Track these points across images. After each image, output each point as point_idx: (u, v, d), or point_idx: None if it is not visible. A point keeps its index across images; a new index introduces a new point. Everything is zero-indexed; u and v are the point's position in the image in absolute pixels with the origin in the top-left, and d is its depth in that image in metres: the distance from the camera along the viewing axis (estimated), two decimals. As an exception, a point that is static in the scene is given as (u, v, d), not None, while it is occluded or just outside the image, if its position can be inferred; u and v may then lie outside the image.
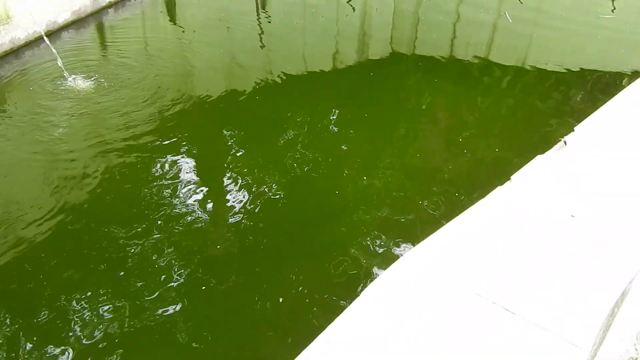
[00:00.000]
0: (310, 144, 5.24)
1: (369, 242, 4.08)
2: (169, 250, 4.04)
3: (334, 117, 5.68)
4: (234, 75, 6.62)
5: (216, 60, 6.82)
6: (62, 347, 3.37)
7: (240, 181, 4.75)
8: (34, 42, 6.70)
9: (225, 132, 5.51)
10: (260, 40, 7.33)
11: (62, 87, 5.96)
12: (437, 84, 6.35)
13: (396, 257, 3.51)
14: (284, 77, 6.40)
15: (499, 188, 3.67)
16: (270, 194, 4.59)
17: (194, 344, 3.36)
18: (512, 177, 3.77)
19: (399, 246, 4.01)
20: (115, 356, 3.29)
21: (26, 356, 3.33)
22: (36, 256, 4.00)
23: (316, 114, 5.71)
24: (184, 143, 5.19)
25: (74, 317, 3.55)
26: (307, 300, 3.60)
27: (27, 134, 5.30)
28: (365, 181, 4.76)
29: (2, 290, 3.76)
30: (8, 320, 3.55)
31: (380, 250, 4.01)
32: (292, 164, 4.98)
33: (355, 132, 5.41)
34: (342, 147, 5.20)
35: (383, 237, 4.13)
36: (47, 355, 3.33)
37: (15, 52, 6.53)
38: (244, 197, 4.57)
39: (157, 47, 6.91)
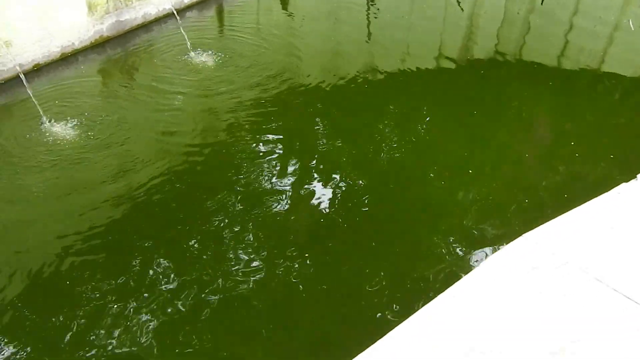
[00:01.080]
0: (402, 140, 5.34)
1: (455, 245, 4.16)
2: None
3: (430, 115, 5.76)
4: (335, 64, 6.85)
5: (320, 48, 7.12)
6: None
7: (326, 170, 4.95)
8: (162, 19, 7.34)
9: (318, 118, 5.74)
10: (367, 33, 7.53)
11: (184, 59, 6.53)
12: (539, 92, 6.24)
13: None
14: (385, 71, 6.57)
15: (623, 184, 3.62)
16: (353, 186, 4.74)
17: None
18: (638, 175, 3.69)
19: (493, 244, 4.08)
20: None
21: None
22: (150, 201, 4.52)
23: (411, 111, 5.81)
24: (280, 123, 5.53)
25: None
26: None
27: (149, 100, 5.87)
28: (454, 184, 4.79)
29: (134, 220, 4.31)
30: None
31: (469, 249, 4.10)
32: (382, 159, 5.12)
33: (450, 132, 5.45)
34: (435, 146, 5.25)
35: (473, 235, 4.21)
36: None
37: (146, 26, 7.19)
38: (326, 185, 4.76)
39: (268, 31, 7.32)
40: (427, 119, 5.65)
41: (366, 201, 4.55)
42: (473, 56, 7.12)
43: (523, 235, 3.24)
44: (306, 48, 7.02)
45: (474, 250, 3.95)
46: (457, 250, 4.00)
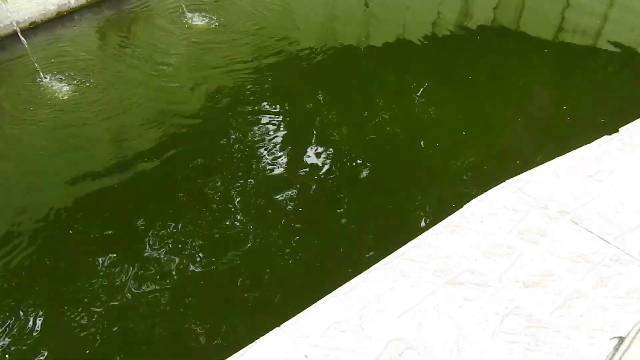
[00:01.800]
0: (398, 106, 5.38)
1: (444, 197, 4.24)
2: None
3: (425, 85, 5.80)
4: (332, 31, 6.88)
5: (316, 14, 7.13)
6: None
7: (321, 135, 5.01)
8: (159, -20, 7.33)
9: (312, 87, 5.75)
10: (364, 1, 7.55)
11: (180, 21, 6.56)
12: (538, 63, 6.26)
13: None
14: (381, 39, 6.59)
15: (604, 137, 3.71)
16: (348, 155, 4.80)
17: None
18: (620, 129, 3.79)
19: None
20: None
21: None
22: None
23: (407, 78, 5.84)
24: (276, 88, 5.57)
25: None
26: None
27: (144, 60, 5.92)
28: (446, 145, 4.86)
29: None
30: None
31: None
32: (376, 124, 5.18)
33: (444, 102, 5.49)
34: (429, 115, 5.29)
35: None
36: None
37: (142, -13, 7.19)
38: (321, 152, 4.83)
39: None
40: (422, 85, 5.70)
41: (359, 163, 4.63)
42: (471, 24, 7.14)
43: (506, 181, 3.37)
44: (304, 12, 7.04)
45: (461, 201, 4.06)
46: (445, 201, 4.11)
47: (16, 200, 4.29)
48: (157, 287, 3.48)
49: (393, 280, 2.74)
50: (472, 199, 3.25)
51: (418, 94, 5.53)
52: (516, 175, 3.42)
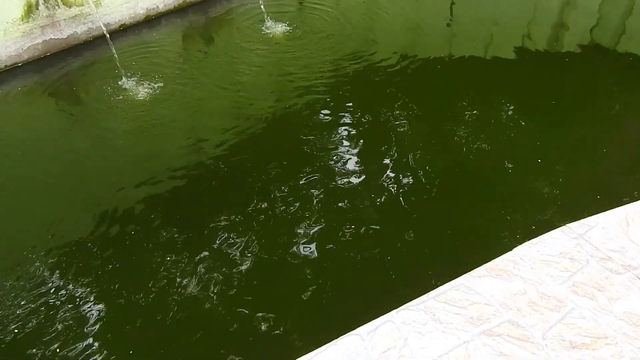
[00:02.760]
0: (476, 126, 5.11)
1: (504, 229, 3.96)
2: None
3: (507, 103, 5.47)
4: (414, 43, 6.70)
5: (399, 26, 6.98)
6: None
7: (395, 150, 4.86)
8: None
9: (391, 98, 5.62)
10: (449, 14, 7.28)
11: (261, 29, 6.68)
12: (634, 91, 5.72)
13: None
14: (465, 55, 6.32)
15: None
16: (421, 168, 4.61)
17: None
18: None
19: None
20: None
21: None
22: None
23: (488, 97, 5.54)
24: (353, 99, 5.49)
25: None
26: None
27: (224, 66, 6.08)
28: (525, 178, 4.54)
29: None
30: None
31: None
32: (453, 143, 4.95)
33: (528, 125, 5.14)
34: (505, 139, 4.98)
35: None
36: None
37: (227, -6, 7.41)
38: (394, 165, 4.68)
39: (348, 5, 7.27)
40: (505, 107, 5.38)
41: (432, 184, 4.44)
42: (562, 44, 6.67)
43: (566, 225, 3.06)
44: (385, 26, 6.92)
45: (519, 236, 3.77)
46: (502, 234, 3.83)
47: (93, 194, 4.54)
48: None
49: (423, 324, 2.57)
50: (525, 241, 2.99)
51: (497, 117, 5.23)
52: (581, 218, 3.11)
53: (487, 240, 3.75)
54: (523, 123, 5.13)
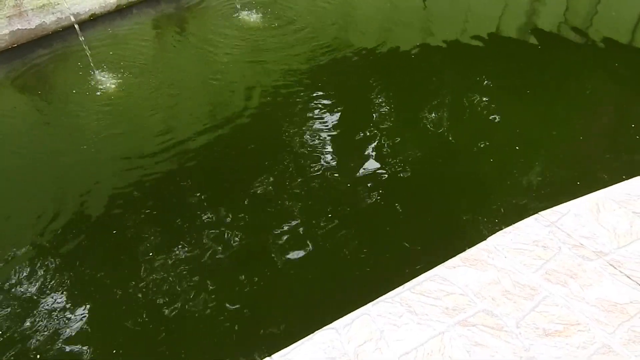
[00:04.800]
0: (454, 111, 5.11)
1: (479, 217, 3.98)
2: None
3: (484, 89, 5.48)
4: (389, 30, 6.67)
5: (374, 11, 6.93)
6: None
7: (373, 137, 4.84)
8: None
9: (366, 86, 5.58)
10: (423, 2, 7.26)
11: (235, 17, 6.58)
12: (612, 70, 5.77)
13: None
14: (441, 40, 6.31)
15: None
16: (399, 153, 4.60)
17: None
18: None
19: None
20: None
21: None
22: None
23: (465, 83, 5.54)
24: (329, 86, 5.45)
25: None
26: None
27: (197, 55, 5.98)
28: (503, 165, 4.55)
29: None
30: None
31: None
32: (431, 129, 4.95)
33: (503, 108, 5.16)
34: (486, 121, 4.99)
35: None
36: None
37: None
38: (371, 151, 4.67)
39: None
40: (481, 92, 5.39)
41: (408, 173, 4.43)
42: (536, 28, 6.70)
43: (539, 213, 3.09)
44: (358, 13, 6.87)
45: (493, 225, 3.79)
46: (479, 222, 3.86)
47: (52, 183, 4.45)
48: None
49: (399, 316, 2.57)
50: (499, 230, 3.01)
51: (472, 104, 5.23)
52: (553, 206, 3.14)
53: (463, 230, 3.77)
54: (499, 110, 5.15)
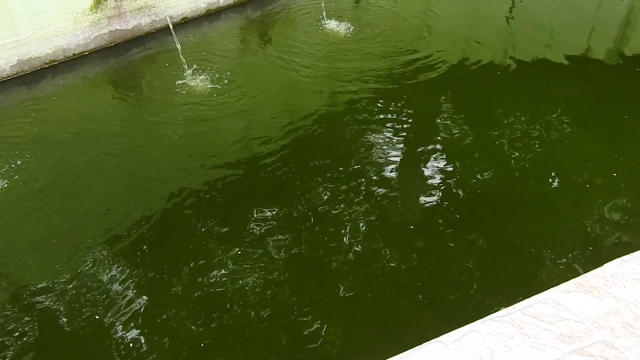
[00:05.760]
0: (532, 134, 4.94)
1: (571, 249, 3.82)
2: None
3: (567, 112, 5.27)
4: (468, 47, 6.54)
5: (455, 27, 6.84)
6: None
7: (444, 154, 4.76)
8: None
9: (444, 99, 5.50)
10: (508, 16, 7.11)
11: (318, 26, 6.65)
12: None
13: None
14: (523, 59, 6.15)
15: None
16: (471, 173, 4.50)
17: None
18: None
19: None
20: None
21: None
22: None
23: (547, 104, 5.36)
24: (404, 98, 5.41)
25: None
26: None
27: (279, 61, 6.08)
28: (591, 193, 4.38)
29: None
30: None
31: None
32: (507, 150, 4.81)
33: (588, 134, 4.95)
34: (567, 147, 4.80)
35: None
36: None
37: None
38: (441, 169, 4.59)
39: (404, 7, 7.18)
40: (564, 116, 5.19)
41: (483, 192, 4.32)
42: (629, 50, 6.43)
43: None
44: (440, 26, 6.81)
45: (599, 258, 3.62)
46: (580, 254, 3.69)
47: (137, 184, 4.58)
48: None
49: (510, 337, 2.46)
50: (615, 258, 2.85)
51: (562, 125, 5.05)
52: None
53: (576, 253, 3.61)
54: (585, 136, 4.95)
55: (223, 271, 3.71)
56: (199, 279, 3.66)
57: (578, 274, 2.74)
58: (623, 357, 2.40)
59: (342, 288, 3.57)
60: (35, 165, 4.70)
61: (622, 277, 2.72)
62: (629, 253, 2.87)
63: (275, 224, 4.06)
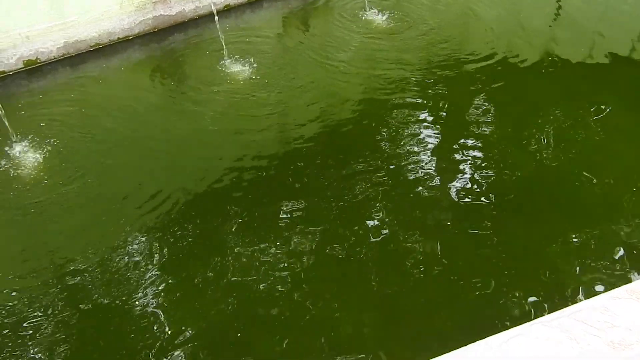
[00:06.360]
0: (572, 135, 4.80)
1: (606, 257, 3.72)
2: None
3: (612, 115, 5.09)
4: (512, 43, 6.38)
5: (499, 22, 6.69)
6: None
7: (479, 151, 4.70)
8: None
9: (483, 96, 5.38)
10: (555, 15, 6.91)
11: (360, 17, 6.60)
12: None
13: None
14: (568, 57, 5.98)
15: None
16: (504, 173, 4.42)
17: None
18: None
19: None
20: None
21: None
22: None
23: (591, 105, 5.18)
24: (439, 95, 5.35)
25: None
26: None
27: (319, 52, 6.06)
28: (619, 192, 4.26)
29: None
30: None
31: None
32: (543, 151, 4.69)
33: (632, 137, 4.79)
34: (608, 150, 4.66)
35: None
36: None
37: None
38: (475, 168, 4.52)
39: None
40: (608, 118, 5.04)
41: (514, 193, 4.24)
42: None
43: None
44: (483, 23, 6.67)
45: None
46: (607, 262, 3.60)
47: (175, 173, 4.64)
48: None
49: (558, 342, 2.41)
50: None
51: (608, 128, 4.91)
52: None
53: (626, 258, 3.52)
54: (629, 139, 4.80)
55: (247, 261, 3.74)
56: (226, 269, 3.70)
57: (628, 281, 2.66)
58: (676, 368, 2.33)
59: (378, 283, 3.56)
60: (81, 143, 4.82)
61: (677, 286, 2.64)
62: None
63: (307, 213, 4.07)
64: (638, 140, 4.74)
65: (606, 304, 2.56)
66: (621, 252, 3.69)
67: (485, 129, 4.94)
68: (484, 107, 5.24)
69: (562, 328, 2.46)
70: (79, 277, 3.69)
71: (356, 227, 3.92)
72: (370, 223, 3.97)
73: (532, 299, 3.33)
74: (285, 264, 3.70)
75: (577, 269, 3.57)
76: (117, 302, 3.53)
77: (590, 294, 2.67)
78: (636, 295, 2.59)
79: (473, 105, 5.26)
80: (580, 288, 3.33)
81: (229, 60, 5.83)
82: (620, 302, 2.57)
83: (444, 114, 5.15)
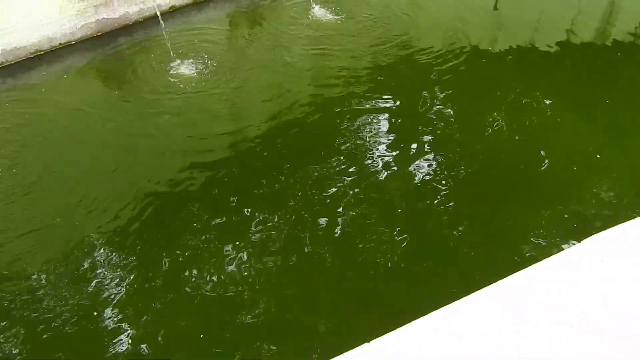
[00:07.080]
0: (518, 119, 5.01)
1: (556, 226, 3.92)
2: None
3: (554, 97, 5.35)
4: (456, 32, 6.57)
5: (442, 15, 6.89)
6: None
7: (431, 139, 4.85)
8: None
9: (433, 86, 5.55)
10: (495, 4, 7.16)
11: (307, 14, 6.68)
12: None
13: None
14: (509, 45, 6.21)
15: None
16: (457, 160, 4.59)
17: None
18: None
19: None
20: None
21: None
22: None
23: (533, 90, 5.43)
24: (393, 86, 5.47)
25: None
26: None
27: (268, 50, 6.11)
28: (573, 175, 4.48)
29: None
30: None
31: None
32: (493, 135, 4.88)
33: (573, 117, 5.03)
34: (553, 131, 4.89)
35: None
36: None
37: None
38: (428, 155, 4.68)
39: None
40: (550, 101, 5.28)
41: (469, 176, 4.41)
42: (611, 36, 6.51)
43: (636, 219, 3.00)
44: (429, 13, 6.85)
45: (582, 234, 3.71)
46: (556, 231, 3.79)
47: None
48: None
49: (498, 313, 2.55)
50: (594, 233, 2.94)
51: (548, 110, 5.14)
52: None
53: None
54: (570, 119, 5.04)
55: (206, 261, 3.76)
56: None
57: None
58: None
59: (339, 275, 3.65)
60: (25, 154, 4.72)
61: (600, 253, 2.81)
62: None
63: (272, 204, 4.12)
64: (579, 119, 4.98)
65: (537, 274, 2.71)
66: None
67: (437, 118, 5.09)
68: (435, 98, 5.40)
69: (500, 299, 2.60)
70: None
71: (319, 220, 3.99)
72: (328, 218, 4.04)
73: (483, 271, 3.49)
74: (246, 265, 3.74)
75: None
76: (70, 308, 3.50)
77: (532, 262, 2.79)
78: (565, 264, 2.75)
79: (424, 97, 5.40)
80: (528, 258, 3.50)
81: (175, 62, 5.80)
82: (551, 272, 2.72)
83: (395, 104, 5.28)
